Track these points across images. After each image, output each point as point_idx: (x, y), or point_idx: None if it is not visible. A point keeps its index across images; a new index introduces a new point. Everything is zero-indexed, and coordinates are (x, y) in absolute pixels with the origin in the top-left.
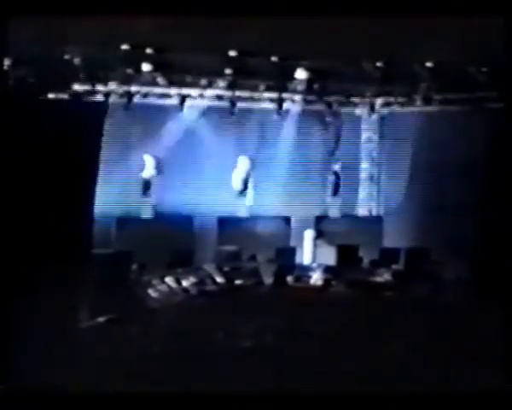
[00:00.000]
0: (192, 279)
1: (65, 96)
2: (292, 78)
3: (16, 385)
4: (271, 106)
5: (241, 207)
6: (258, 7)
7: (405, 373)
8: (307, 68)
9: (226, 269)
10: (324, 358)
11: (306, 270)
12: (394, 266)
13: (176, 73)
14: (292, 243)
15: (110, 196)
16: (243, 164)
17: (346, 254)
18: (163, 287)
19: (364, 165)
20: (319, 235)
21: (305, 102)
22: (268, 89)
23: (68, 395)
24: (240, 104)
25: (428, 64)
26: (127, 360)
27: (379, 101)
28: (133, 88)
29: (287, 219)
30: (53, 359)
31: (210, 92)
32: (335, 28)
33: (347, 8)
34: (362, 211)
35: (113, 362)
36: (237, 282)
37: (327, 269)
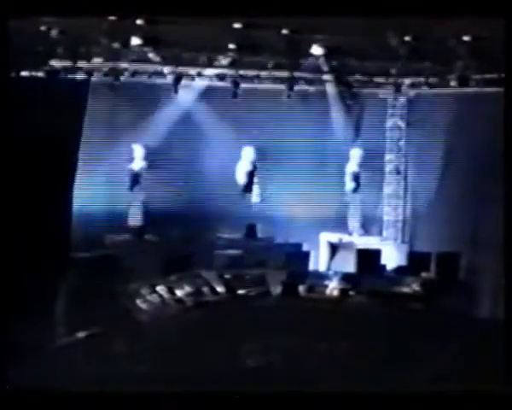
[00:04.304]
0: (187, 288)
1: (41, 73)
2: (305, 54)
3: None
4: (281, 87)
5: (246, 205)
6: None
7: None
8: (323, 43)
9: (228, 276)
10: (341, 380)
11: (321, 278)
12: (424, 275)
13: (170, 48)
14: (305, 247)
15: (92, 192)
16: (248, 154)
17: (367, 259)
18: (153, 297)
19: (389, 156)
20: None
21: (321, 82)
22: (277, 67)
23: None
24: (244, 85)
25: (465, 38)
26: (110, 383)
27: (407, 81)
28: (120, 65)
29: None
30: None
31: (210, 71)
32: None
33: None
34: (386, 209)
35: (93, 384)
36: (240, 292)
37: (345, 277)
